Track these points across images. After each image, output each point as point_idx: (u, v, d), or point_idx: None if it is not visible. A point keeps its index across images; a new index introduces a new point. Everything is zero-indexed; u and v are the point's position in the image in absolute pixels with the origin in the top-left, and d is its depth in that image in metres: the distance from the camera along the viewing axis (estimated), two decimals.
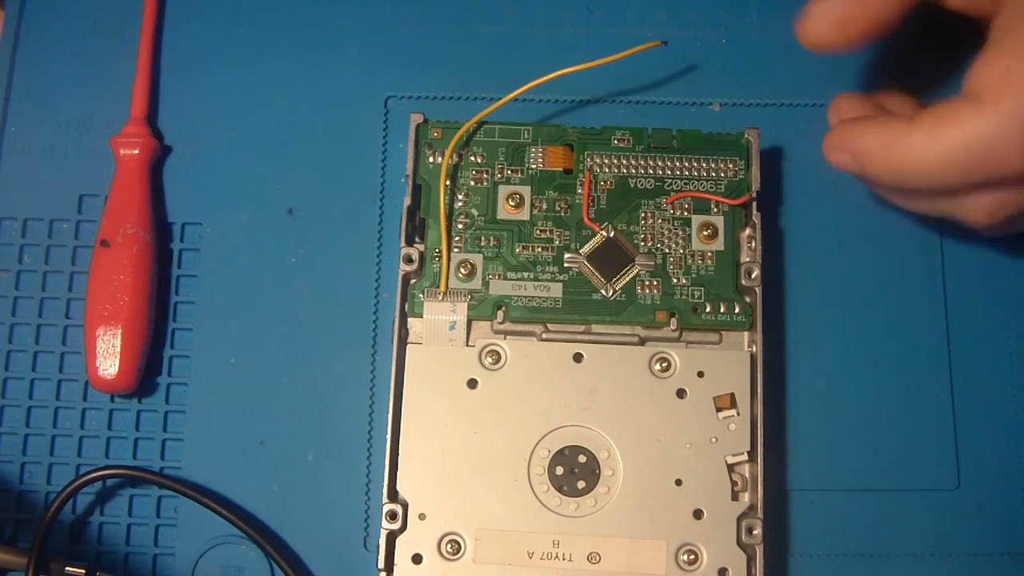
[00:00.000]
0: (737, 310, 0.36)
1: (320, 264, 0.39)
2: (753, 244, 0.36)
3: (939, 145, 0.31)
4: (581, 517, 0.34)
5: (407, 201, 0.36)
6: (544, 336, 0.36)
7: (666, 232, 0.36)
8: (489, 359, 0.35)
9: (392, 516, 0.34)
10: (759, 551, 0.34)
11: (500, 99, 0.40)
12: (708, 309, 0.36)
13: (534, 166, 0.37)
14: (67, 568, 0.35)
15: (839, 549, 0.37)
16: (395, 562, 0.34)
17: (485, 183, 0.37)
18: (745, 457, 0.35)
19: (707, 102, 0.41)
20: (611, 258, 0.36)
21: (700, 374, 0.35)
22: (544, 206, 0.37)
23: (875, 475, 0.38)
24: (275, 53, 0.41)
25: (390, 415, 0.35)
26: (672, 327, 0.36)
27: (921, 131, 0.31)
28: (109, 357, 0.36)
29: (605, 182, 0.37)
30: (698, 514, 0.34)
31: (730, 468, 0.35)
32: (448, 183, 0.37)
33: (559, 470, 0.35)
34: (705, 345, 0.36)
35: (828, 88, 0.40)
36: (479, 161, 0.37)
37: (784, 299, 0.39)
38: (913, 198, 0.34)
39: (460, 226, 0.36)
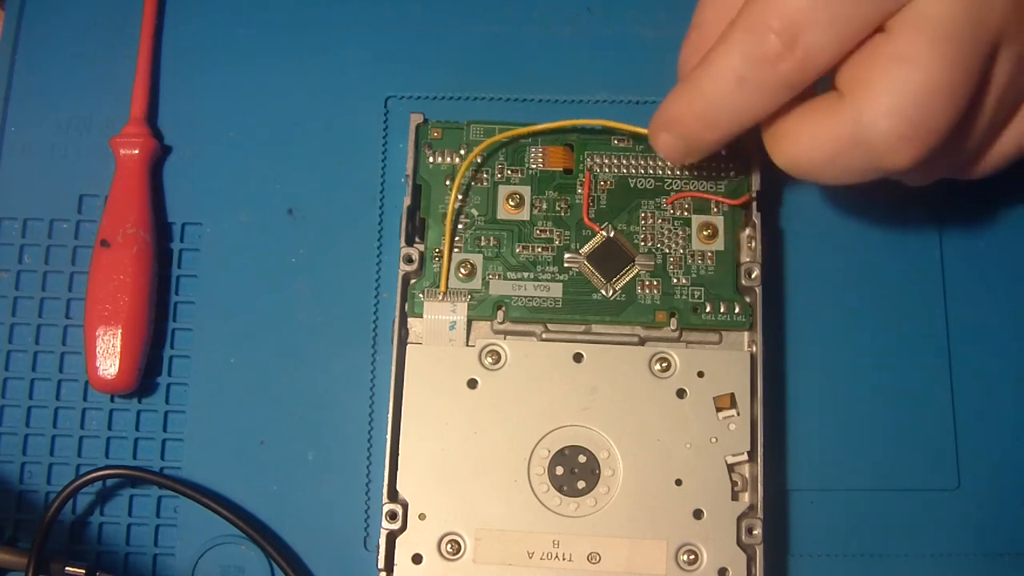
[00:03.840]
0: (737, 310, 0.36)
1: (320, 264, 0.39)
2: (753, 244, 0.36)
3: (819, 139, 0.30)
4: (581, 517, 0.34)
5: (407, 201, 0.36)
6: (544, 336, 0.36)
7: (666, 232, 0.36)
8: (489, 359, 0.35)
9: (392, 516, 0.34)
10: (759, 551, 0.34)
11: (500, 99, 0.40)
12: (708, 309, 0.36)
13: (534, 166, 0.37)
14: (67, 568, 0.35)
15: (839, 549, 0.37)
16: (395, 562, 0.34)
17: (485, 183, 0.37)
18: (745, 457, 0.35)
19: None
20: (611, 258, 0.36)
21: (700, 374, 0.35)
22: (544, 206, 0.37)
23: (875, 475, 0.38)
24: (275, 53, 0.41)
25: (390, 415, 0.35)
26: (672, 327, 0.36)
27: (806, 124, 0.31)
28: (109, 357, 0.36)
29: (605, 182, 0.37)
30: (698, 514, 0.34)
31: (730, 468, 0.35)
32: (447, 183, 0.37)
33: (559, 470, 0.35)
34: (705, 345, 0.36)
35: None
36: (479, 161, 0.37)
37: (784, 299, 0.39)
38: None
39: (460, 226, 0.36)
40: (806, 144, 0.31)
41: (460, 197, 0.37)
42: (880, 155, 0.30)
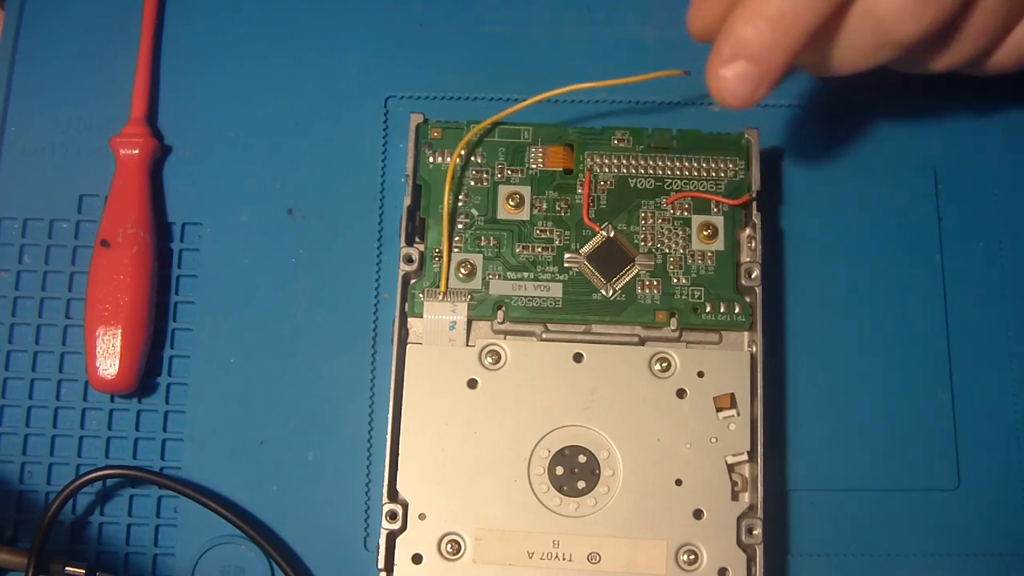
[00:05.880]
0: (737, 310, 0.36)
1: (320, 264, 0.39)
2: (753, 244, 0.36)
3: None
4: (581, 517, 0.34)
5: (407, 201, 0.36)
6: (544, 336, 0.36)
7: (666, 232, 0.36)
8: (489, 359, 0.35)
9: (392, 516, 0.34)
10: (759, 551, 0.34)
11: (500, 99, 0.40)
12: (708, 309, 0.36)
13: (534, 166, 0.37)
14: (67, 568, 0.35)
15: (839, 549, 0.37)
16: (395, 562, 0.34)
17: (485, 183, 0.37)
18: (745, 457, 0.35)
19: (707, 102, 0.41)
20: (611, 258, 0.36)
21: (700, 374, 0.35)
22: (544, 206, 0.37)
23: (875, 475, 0.38)
24: (275, 53, 0.41)
25: (390, 415, 0.35)
26: (672, 327, 0.36)
27: None
28: (109, 357, 0.36)
29: (605, 182, 0.37)
30: (698, 514, 0.34)
31: (730, 468, 0.35)
32: (450, 183, 0.37)
33: (559, 470, 0.35)
34: (705, 345, 0.36)
35: (828, 88, 0.40)
36: (479, 161, 0.37)
37: (784, 299, 0.39)
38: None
39: (460, 226, 0.36)
40: (818, 35, 0.31)
41: (461, 197, 0.37)
42: (886, 26, 0.30)
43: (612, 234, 0.36)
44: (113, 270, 0.37)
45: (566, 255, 0.36)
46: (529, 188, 0.37)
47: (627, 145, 0.37)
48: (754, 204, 0.36)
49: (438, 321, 0.36)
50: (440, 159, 0.37)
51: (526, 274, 0.36)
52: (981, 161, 0.40)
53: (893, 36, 0.31)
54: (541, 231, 0.36)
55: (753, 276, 0.36)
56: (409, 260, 0.36)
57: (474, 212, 0.37)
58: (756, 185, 0.36)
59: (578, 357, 0.35)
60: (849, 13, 0.31)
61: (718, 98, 0.32)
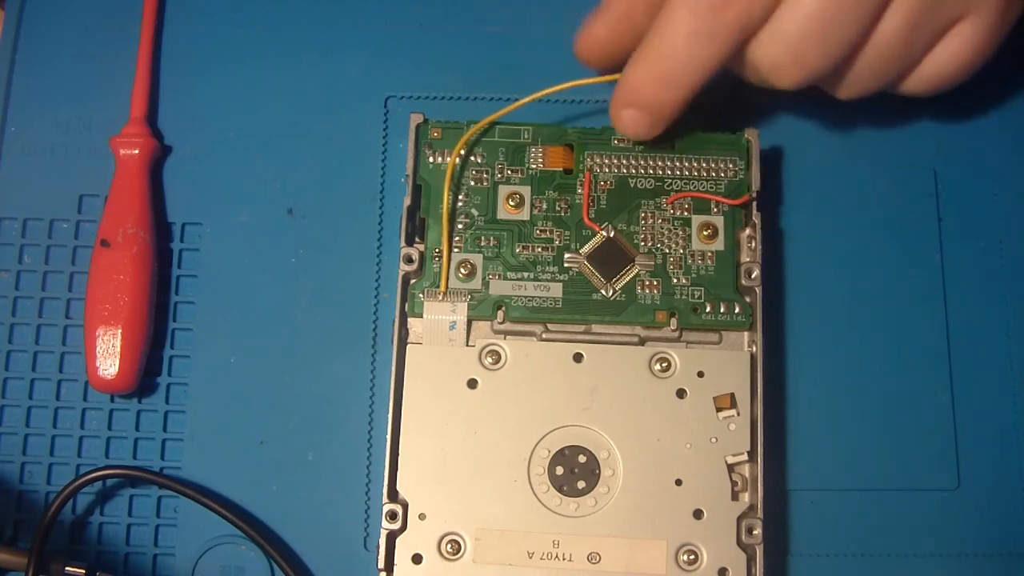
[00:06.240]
0: (737, 310, 0.36)
1: (320, 264, 0.39)
2: (753, 244, 0.36)
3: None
4: (581, 517, 0.34)
5: (407, 201, 0.36)
6: (544, 336, 0.36)
7: (666, 232, 0.36)
8: (489, 359, 0.35)
9: (392, 516, 0.34)
10: (759, 551, 0.34)
11: (500, 99, 0.40)
12: (708, 309, 0.36)
13: (534, 166, 0.37)
14: (67, 568, 0.35)
15: (839, 549, 0.37)
16: (395, 562, 0.34)
17: (485, 183, 0.37)
18: (745, 457, 0.35)
19: (707, 102, 0.41)
20: (611, 258, 0.36)
21: (700, 374, 0.35)
22: (544, 206, 0.37)
23: (875, 475, 0.38)
24: (275, 53, 0.41)
25: (390, 415, 0.35)
26: (672, 327, 0.36)
27: None
28: (109, 357, 0.36)
29: (605, 182, 0.37)
30: (698, 514, 0.34)
31: (730, 468, 0.35)
32: (450, 183, 0.37)
33: (559, 470, 0.35)
34: (705, 345, 0.36)
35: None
36: (479, 161, 0.37)
37: (784, 299, 0.39)
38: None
39: (460, 226, 0.36)
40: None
41: (461, 197, 0.37)
42: (766, 75, 0.34)
43: (612, 234, 0.36)
44: (113, 270, 0.37)
45: (566, 255, 0.36)
46: (529, 188, 0.37)
47: (627, 145, 0.37)
48: (754, 204, 0.36)
49: (438, 321, 0.36)
50: (440, 159, 0.37)
51: (526, 274, 0.36)
52: (981, 161, 0.40)
53: (776, 84, 0.34)
54: (541, 231, 0.36)
55: (753, 276, 0.36)
56: (409, 260, 0.36)
57: (474, 212, 0.37)
58: (756, 185, 0.36)
59: (578, 357, 0.35)
60: (743, 62, 0.34)
61: (618, 130, 0.36)
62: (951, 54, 0.34)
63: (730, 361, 0.35)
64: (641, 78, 0.34)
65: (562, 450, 0.35)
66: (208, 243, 0.39)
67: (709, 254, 0.36)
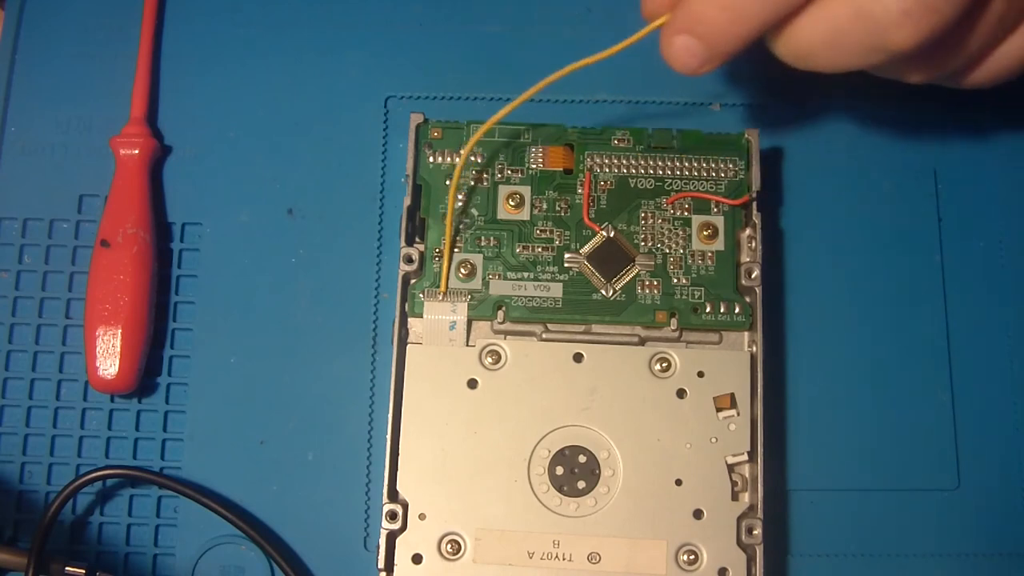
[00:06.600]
0: (737, 310, 0.36)
1: (320, 264, 0.39)
2: (753, 244, 0.36)
3: (819, 17, 0.30)
4: (581, 517, 0.34)
5: (407, 201, 0.36)
6: (544, 336, 0.36)
7: (666, 232, 0.36)
8: (489, 359, 0.35)
9: (392, 516, 0.34)
10: (759, 551, 0.34)
11: (500, 99, 0.40)
12: (708, 309, 0.36)
13: (534, 166, 0.37)
14: (67, 568, 0.35)
15: (839, 549, 0.37)
16: (395, 562, 0.34)
17: (485, 183, 0.37)
18: (745, 457, 0.35)
19: (707, 102, 0.41)
20: (611, 258, 0.36)
21: (700, 374, 0.35)
22: (544, 206, 0.37)
23: (875, 475, 0.38)
24: (275, 53, 0.41)
25: (390, 415, 0.35)
26: (672, 327, 0.36)
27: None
28: (109, 357, 0.36)
29: (605, 182, 0.37)
30: (698, 514, 0.34)
31: (730, 468, 0.35)
32: (447, 183, 0.37)
33: (559, 470, 0.35)
34: (705, 345, 0.36)
35: (828, 88, 0.40)
36: (479, 161, 0.37)
37: (784, 299, 0.39)
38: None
39: (460, 226, 0.36)
40: (806, 24, 0.31)
41: (460, 197, 0.37)
42: (883, 30, 0.30)
43: (612, 234, 0.36)
44: (113, 270, 0.37)
45: (566, 255, 0.36)
46: (529, 188, 0.37)
47: (627, 145, 0.37)
48: (754, 204, 0.36)
49: (438, 321, 0.36)
50: (440, 159, 0.37)
51: (526, 274, 0.36)
52: (981, 161, 0.41)
53: (888, 42, 0.30)
54: (541, 231, 0.36)
55: (753, 276, 0.36)
56: (409, 260, 0.36)
57: (474, 212, 0.37)
58: (756, 185, 0.36)
59: (578, 357, 0.35)
60: (842, 12, 0.30)
61: (666, 60, 0.32)
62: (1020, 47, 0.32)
63: (730, 361, 0.35)
64: (706, 5, 0.31)
65: (562, 450, 0.35)
66: (208, 243, 0.39)
67: (709, 254, 0.36)
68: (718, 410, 0.35)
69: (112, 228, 0.38)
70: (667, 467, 0.34)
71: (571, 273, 0.36)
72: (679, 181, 0.37)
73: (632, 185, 0.37)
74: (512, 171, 0.37)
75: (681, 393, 0.35)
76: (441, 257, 0.36)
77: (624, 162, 0.37)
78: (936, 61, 0.32)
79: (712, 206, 0.37)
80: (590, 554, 0.34)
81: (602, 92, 0.41)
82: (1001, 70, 0.33)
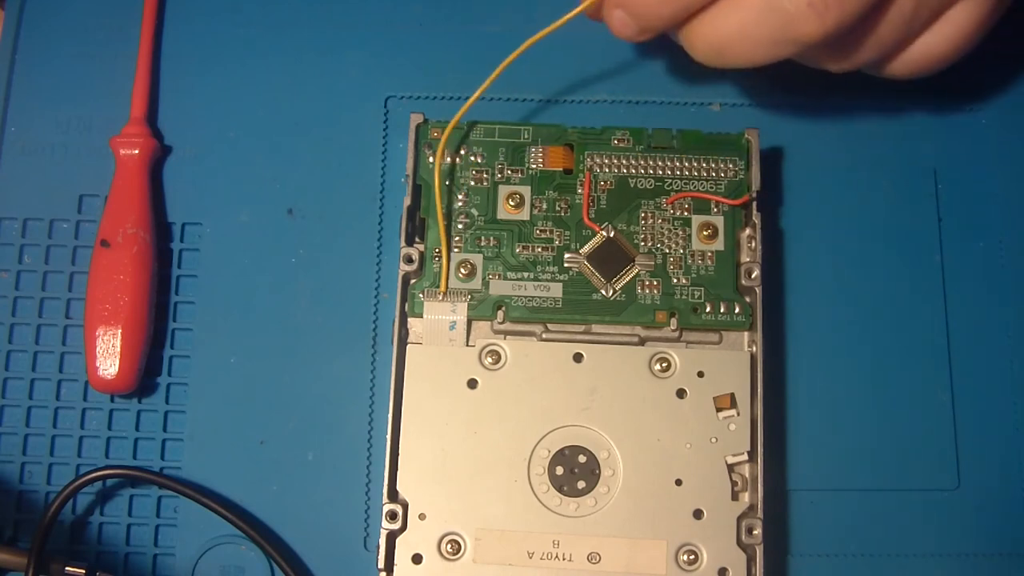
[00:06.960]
0: (737, 310, 0.36)
1: (320, 264, 0.39)
2: (753, 244, 0.36)
3: (736, 20, 0.32)
4: (581, 517, 0.34)
5: (407, 201, 0.36)
6: (544, 336, 0.36)
7: (666, 232, 0.36)
8: (489, 359, 0.35)
9: (392, 516, 0.34)
10: (759, 551, 0.34)
11: (500, 99, 0.40)
12: (708, 309, 0.36)
13: (534, 166, 0.37)
14: (67, 568, 0.35)
15: (839, 549, 0.37)
16: (395, 562, 0.34)
17: (485, 183, 0.37)
18: (745, 457, 0.35)
19: (707, 102, 0.41)
20: (611, 258, 0.36)
21: (700, 374, 0.35)
22: (544, 206, 0.37)
23: (875, 475, 0.38)
24: (275, 53, 0.41)
25: (390, 415, 0.35)
26: (672, 327, 0.36)
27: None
28: (109, 357, 0.36)
29: (605, 182, 0.37)
30: (698, 514, 0.34)
31: (730, 468, 0.35)
32: (447, 183, 0.37)
33: (559, 470, 0.35)
34: (705, 345, 0.36)
35: (828, 88, 0.40)
36: (479, 161, 0.37)
37: (784, 299, 0.39)
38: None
39: (460, 226, 0.36)
40: (719, 14, 0.32)
41: (461, 197, 0.37)
42: (791, 21, 0.31)
43: (612, 234, 0.36)
44: (113, 270, 0.37)
45: (566, 255, 0.36)
46: (529, 188, 0.37)
47: (627, 145, 0.37)
48: (754, 204, 0.36)
49: (438, 321, 0.36)
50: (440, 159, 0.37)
51: (526, 274, 0.36)
52: (981, 161, 0.41)
53: (796, 33, 0.32)
54: (541, 231, 0.36)
55: (753, 276, 0.36)
56: (409, 260, 0.36)
57: (474, 212, 0.37)
58: (756, 185, 0.36)
59: (578, 357, 0.35)
60: (753, 4, 0.32)
61: (608, 26, 0.35)
62: (943, 37, 0.34)
63: (730, 361, 0.35)
64: None
65: (562, 450, 0.35)
66: (208, 243, 0.39)
67: (709, 254, 0.36)
68: (718, 410, 0.35)
69: (112, 228, 0.38)
70: (667, 467, 0.34)
71: (571, 273, 0.36)
72: (679, 181, 0.37)
73: (632, 185, 0.37)
74: (512, 171, 0.37)
75: (681, 393, 0.35)
76: (441, 257, 0.36)
77: (624, 162, 0.37)
78: (850, 52, 0.34)
79: (712, 206, 0.37)
80: (590, 554, 0.34)
81: (602, 92, 0.41)
82: (922, 62, 0.34)
